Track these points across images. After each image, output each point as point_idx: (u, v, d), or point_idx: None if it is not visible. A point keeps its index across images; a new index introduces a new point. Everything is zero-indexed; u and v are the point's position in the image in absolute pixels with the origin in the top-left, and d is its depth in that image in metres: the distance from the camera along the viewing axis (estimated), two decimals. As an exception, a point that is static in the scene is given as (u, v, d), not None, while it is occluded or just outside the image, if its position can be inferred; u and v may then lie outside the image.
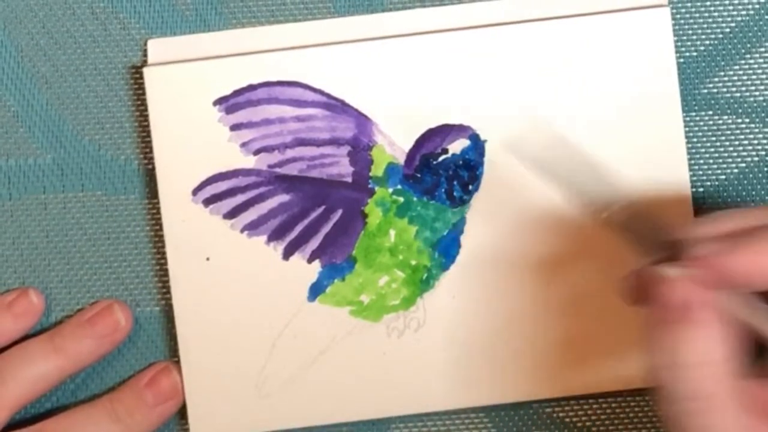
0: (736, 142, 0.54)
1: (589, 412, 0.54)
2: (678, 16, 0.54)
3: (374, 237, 0.53)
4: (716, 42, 0.54)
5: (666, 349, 0.42)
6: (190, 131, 0.53)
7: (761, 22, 0.54)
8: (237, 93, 0.53)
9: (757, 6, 0.54)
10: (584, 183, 0.47)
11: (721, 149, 0.54)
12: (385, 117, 0.53)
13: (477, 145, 0.53)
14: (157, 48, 0.53)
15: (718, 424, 0.42)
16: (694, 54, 0.54)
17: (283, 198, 0.53)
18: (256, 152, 0.53)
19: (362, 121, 0.53)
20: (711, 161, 0.54)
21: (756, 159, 0.54)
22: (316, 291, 0.53)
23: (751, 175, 0.54)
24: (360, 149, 0.53)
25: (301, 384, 0.53)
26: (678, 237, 0.44)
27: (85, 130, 0.54)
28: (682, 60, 0.54)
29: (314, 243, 0.53)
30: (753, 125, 0.54)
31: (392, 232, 0.53)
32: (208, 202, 0.53)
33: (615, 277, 0.53)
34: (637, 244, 0.45)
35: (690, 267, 0.42)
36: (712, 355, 0.42)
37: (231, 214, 0.53)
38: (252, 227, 0.53)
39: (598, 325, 0.53)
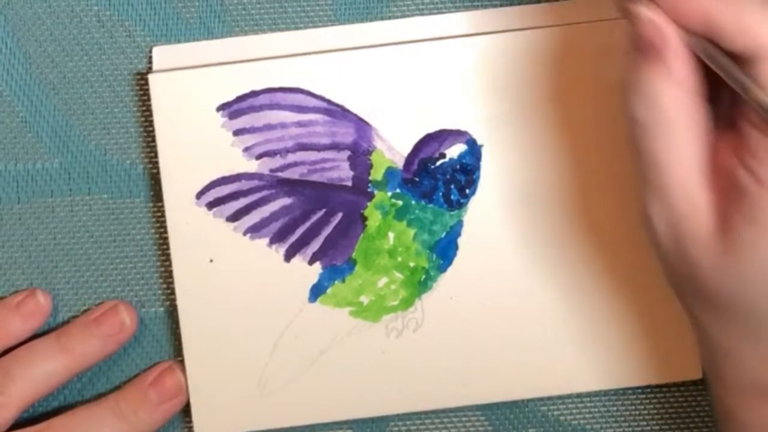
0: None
1: (584, 410, 0.55)
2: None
3: (373, 239, 0.54)
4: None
5: (637, 79, 0.42)
6: (194, 136, 0.53)
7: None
8: (240, 99, 0.53)
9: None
10: None
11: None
12: (384, 122, 0.53)
13: (474, 149, 0.53)
14: (162, 55, 0.54)
15: (672, 149, 0.42)
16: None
17: (285, 201, 0.54)
18: (259, 157, 0.53)
19: (362, 126, 0.53)
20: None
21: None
22: (316, 292, 0.54)
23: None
24: (360, 154, 0.54)
25: (303, 383, 0.53)
26: None
27: (92, 135, 0.55)
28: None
29: (315, 245, 0.54)
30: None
31: (391, 235, 0.54)
32: (211, 205, 0.53)
33: (611, 277, 0.54)
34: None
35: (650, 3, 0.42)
36: (678, 80, 0.42)
37: (234, 217, 0.53)
38: (254, 230, 0.53)
39: (593, 325, 0.54)
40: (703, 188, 0.43)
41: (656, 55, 0.42)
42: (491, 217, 0.53)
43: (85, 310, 0.55)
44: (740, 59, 0.41)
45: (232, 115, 0.53)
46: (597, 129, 0.53)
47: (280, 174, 0.53)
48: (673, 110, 0.42)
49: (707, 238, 0.43)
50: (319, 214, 0.54)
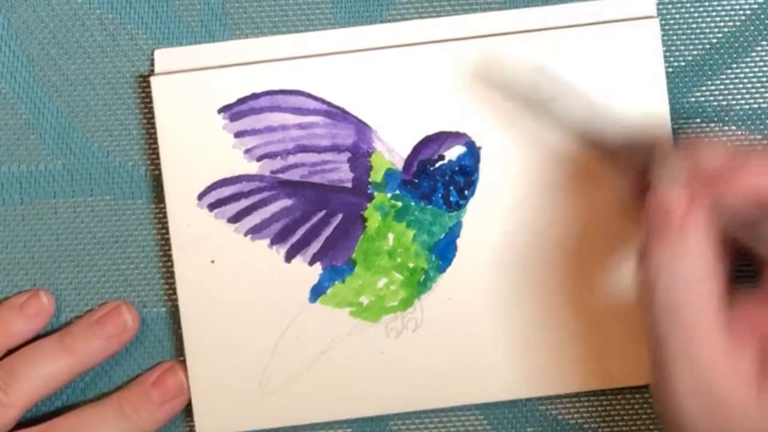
0: (723, 149, 0.55)
1: (581, 409, 0.55)
2: (667, 27, 0.55)
3: (373, 240, 0.54)
4: (704, 52, 0.55)
5: (654, 261, 0.39)
6: (196, 138, 0.53)
7: (747, 33, 0.55)
8: (241, 101, 0.53)
9: (743, 17, 0.55)
10: (570, 108, 0.44)
11: (709, 156, 0.55)
12: (383, 124, 0.53)
13: (472, 151, 0.54)
14: (164, 58, 0.54)
15: (698, 349, 0.39)
16: (683, 64, 0.55)
17: (286, 203, 0.54)
18: (260, 158, 0.54)
19: (362, 128, 0.54)
20: (699, 167, 0.55)
21: (742, 165, 0.55)
22: (317, 292, 0.54)
23: (737, 181, 0.55)
24: (359, 155, 0.54)
25: (303, 382, 0.54)
26: (670, 156, 0.41)
27: (94, 137, 0.55)
28: (670, 69, 0.55)
29: (315, 246, 0.54)
30: (740, 132, 0.55)
31: (391, 236, 0.54)
32: (213, 206, 0.54)
33: (609, 276, 0.54)
34: (626, 167, 0.42)
35: (690, 183, 0.39)
36: (699, 268, 0.38)
37: (235, 218, 0.54)
38: (255, 231, 0.54)
39: (591, 325, 0.54)
40: (732, 352, 0.39)
41: (676, 231, 0.39)
42: (490, 218, 0.54)
43: (88, 311, 0.55)
44: None
45: (233, 117, 0.53)
46: (595, 131, 0.54)
47: (280, 175, 0.54)
48: (694, 287, 0.39)
49: (746, 401, 0.39)
50: (320, 215, 0.54)
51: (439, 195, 0.54)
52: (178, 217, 0.54)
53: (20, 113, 0.55)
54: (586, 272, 0.54)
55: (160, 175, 0.54)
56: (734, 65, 0.55)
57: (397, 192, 0.54)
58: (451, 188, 0.54)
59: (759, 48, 0.55)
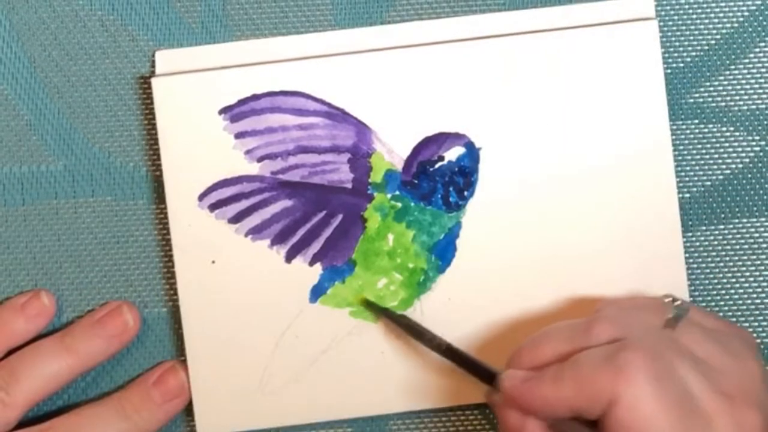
0: (722, 150, 0.55)
1: (580, 409, 0.56)
2: (665, 28, 0.55)
3: (373, 241, 0.54)
4: (702, 53, 0.55)
5: None
6: (197, 139, 0.54)
7: (745, 34, 0.55)
8: (241, 102, 0.54)
9: (741, 19, 0.55)
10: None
11: (707, 156, 0.55)
12: (383, 125, 0.54)
13: (472, 152, 0.54)
14: (165, 59, 0.54)
15: None
16: (681, 65, 0.55)
17: (286, 203, 0.54)
18: (260, 159, 0.54)
19: (362, 129, 0.54)
20: (697, 168, 0.55)
21: (740, 166, 0.55)
22: (317, 293, 0.54)
23: (735, 182, 0.55)
24: (359, 156, 0.54)
25: (303, 382, 0.54)
26: (495, 371, 0.49)
27: (96, 138, 0.55)
28: (669, 71, 0.55)
29: (315, 246, 0.54)
30: (738, 133, 0.55)
31: (390, 236, 0.54)
32: (213, 207, 0.54)
33: (606, 277, 0.54)
34: (482, 380, 0.50)
35: (503, 397, 0.47)
36: None
37: (235, 219, 0.54)
38: (256, 231, 0.54)
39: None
40: None
41: None
42: (489, 219, 0.54)
43: (89, 311, 0.55)
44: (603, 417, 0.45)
45: (234, 119, 0.54)
46: (594, 132, 0.54)
47: (281, 176, 0.54)
48: None
49: None
50: (320, 215, 0.54)
51: (439, 196, 0.54)
52: (179, 217, 0.54)
53: (22, 114, 0.55)
54: (586, 272, 0.54)
55: (160, 175, 0.54)
56: (732, 66, 0.55)
57: (397, 193, 0.54)
58: (451, 189, 0.54)
59: (757, 49, 0.55)
